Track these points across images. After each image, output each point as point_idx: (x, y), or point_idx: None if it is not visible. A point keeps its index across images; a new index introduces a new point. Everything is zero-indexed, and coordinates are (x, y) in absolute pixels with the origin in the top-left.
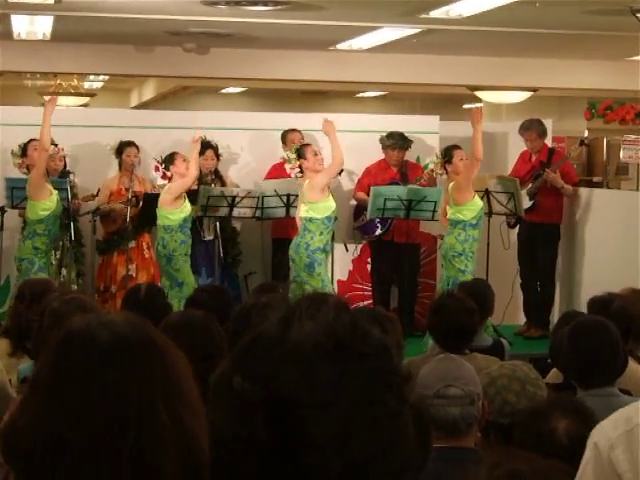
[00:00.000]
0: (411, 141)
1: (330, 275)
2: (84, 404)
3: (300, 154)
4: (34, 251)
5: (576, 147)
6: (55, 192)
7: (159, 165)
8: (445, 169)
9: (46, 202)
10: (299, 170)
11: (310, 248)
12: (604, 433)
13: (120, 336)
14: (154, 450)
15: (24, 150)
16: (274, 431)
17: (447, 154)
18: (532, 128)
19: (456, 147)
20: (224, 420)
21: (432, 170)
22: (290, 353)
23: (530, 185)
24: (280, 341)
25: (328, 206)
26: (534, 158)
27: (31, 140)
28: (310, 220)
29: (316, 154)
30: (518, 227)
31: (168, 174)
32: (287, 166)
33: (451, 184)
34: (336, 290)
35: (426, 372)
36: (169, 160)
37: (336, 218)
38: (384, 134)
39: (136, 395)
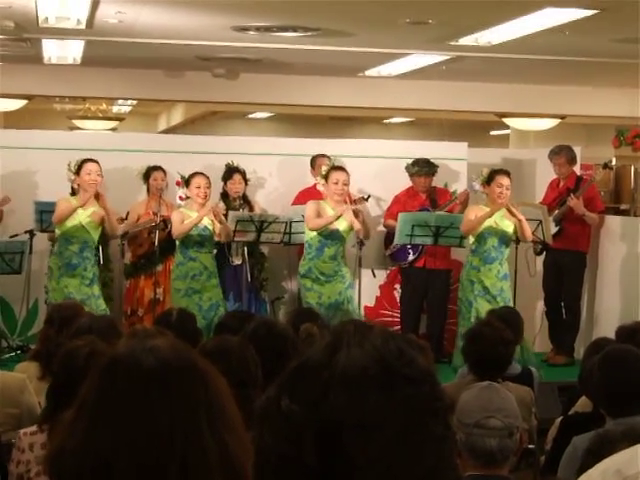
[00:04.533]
0: (437, 166)
1: (357, 301)
2: (130, 428)
3: (326, 176)
4: (49, 270)
5: (600, 171)
6: (82, 219)
7: (181, 182)
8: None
9: (59, 225)
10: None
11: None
12: None
13: (165, 361)
14: (199, 471)
15: (78, 169)
16: (321, 453)
17: (490, 176)
18: (562, 153)
19: (501, 172)
20: (271, 442)
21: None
22: (338, 376)
23: (556, 212)
24: (327, 365)
25: (309, 233)
26: (562, 184)
27: (86, 161)
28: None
29: (336, 183)
30: (545, 254)
31: (183, 196)
32: (318, 178)
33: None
34: (362, 316)
35: (468, 400)
36: (186, 181)
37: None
38: (410, 161)
39: (181, 419)
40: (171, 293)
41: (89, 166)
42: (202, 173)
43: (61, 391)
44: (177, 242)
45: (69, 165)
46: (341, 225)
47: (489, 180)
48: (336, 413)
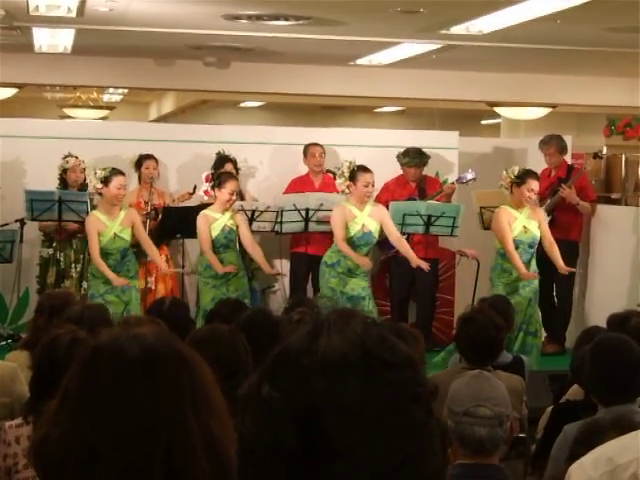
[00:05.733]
0: (428, 156)
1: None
2: (114, 416)
3: (352, 176)
4: (91, 275)
5: (590, 161)
6: (115, 229)
7: (210, 176)
8: (511, 189)
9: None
10: (347, 189)
11: (322, 259)
12: (584, 472)
13: (149, 349)
14: (185, 459)
15: (106, 180)
16: (302, 439)
17: (521, 178)
18: (552, 143)
19: (533, 175)
20: (253, 429)
21: (448, 184)
22: (318, 363)
23: (548, 201)
24: (308, 352)
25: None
26: (553, 174)
27: (116, 173)
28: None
29: (367, 185)
30: None
31: (210, 192)
32: (338, 181)
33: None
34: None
35: (458, 388)
36: (219, 182)
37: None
38: (401, 150)
39: (166, 406)
40: (199, 284)
41: (120, 180)
42: (235, 176)
43: (44, 381)
44: None
45: (94, 173)
46: (372, 226)
47: (520, 182)
48: (317, 399)
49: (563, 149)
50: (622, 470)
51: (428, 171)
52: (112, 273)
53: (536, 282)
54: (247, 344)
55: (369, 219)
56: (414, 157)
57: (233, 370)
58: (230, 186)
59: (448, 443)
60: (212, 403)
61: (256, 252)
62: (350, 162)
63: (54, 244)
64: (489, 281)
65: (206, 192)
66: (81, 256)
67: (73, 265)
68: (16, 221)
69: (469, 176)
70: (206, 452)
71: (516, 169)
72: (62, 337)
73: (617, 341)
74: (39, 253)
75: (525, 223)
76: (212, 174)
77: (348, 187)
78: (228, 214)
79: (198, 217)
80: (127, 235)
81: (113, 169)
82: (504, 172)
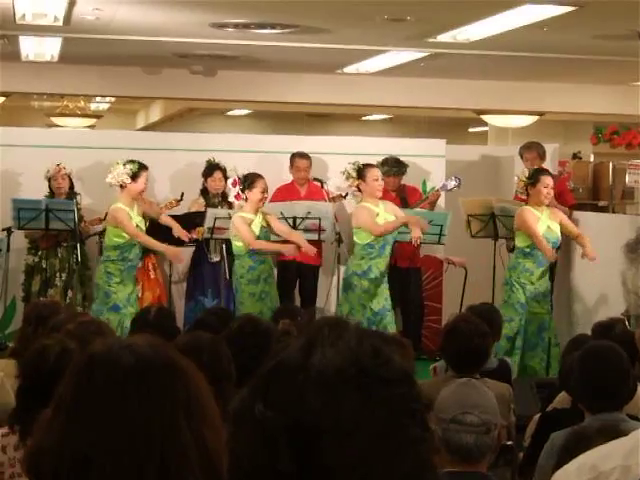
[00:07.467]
0: (406, 165)
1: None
2: (108, 425)
3: (360, 174)
4: (106, 276)
5: (570, 162)
6: (136, 221)
7: (237, 181)
8: (527, 191)
9: (121, 231)
10: (357, 189)
11: (348, 271)
12: (567, 479)
13: (143, 358)
14: (178, 468)
15: (135, 175)
16: (297, 459)
17: (534, 177)
18: (533, 148)
19: (544, 172)
20: (246, 448)
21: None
22: (313, 380)
23: None
24: (302, 368)
25: (368, 234)
26: None
27: (143, 168)
28: (355, 244)
29: (377, 179)
30: None
31: (242, 195)
32: (347, 182)
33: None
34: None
35: (446, 395)
36: (249, 183)
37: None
38: (379, 160)
39: (159, 415)
40: (240, 298)
41: (146, 175)
42: (262, 175)
43: (31, 391)
44: (241, 247)
45: (123, 166)
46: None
47: (534, 181)
48: (312, 417)
49: (543, 155)
50: (605, 477)
51: (415, 179)
52: (163, 245)
53: (548, 289)
54: (229, 353)
55: (387, 215)
56: (392, 166)
57: (215, 378)
58: (260, 185)
59: (435, 450)
60: (206, 413)
61: (295, 237)
62: (354, 163)
63: (39, 252)
64: (504, 285)
65: (237, 196)
66: (66, 265)
67: (58, 274)
68: (3, 230)
69: (452, 183)
70: (200, 461)
71: (526, 171)
72: (51, 347)
73: (605, 349)
74: (24, 260)
75: (548, 223)
76: (239, 177)
77: (358, 187)
78: (260, 215)
79: (234, 219)
80: (144, 225)
81: (140, 164)
82: (515, 178)
